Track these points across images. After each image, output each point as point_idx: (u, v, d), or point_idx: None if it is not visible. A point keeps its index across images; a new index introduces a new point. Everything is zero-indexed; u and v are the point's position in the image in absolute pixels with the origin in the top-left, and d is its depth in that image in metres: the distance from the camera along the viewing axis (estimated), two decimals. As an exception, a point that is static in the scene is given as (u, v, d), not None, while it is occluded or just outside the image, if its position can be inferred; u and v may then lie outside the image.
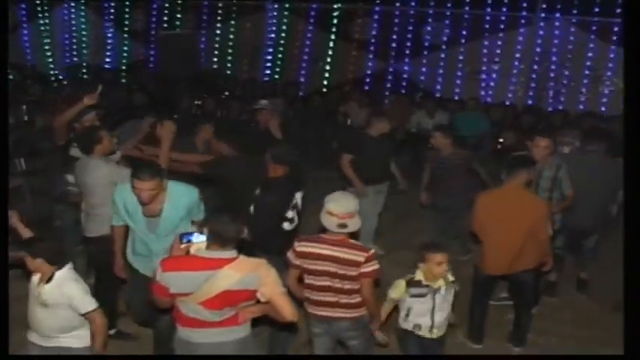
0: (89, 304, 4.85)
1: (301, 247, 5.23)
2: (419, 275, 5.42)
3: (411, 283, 5.41)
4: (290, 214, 6.20)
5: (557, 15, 14.64)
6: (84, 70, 18.87)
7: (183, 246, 4.54)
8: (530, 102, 14.90)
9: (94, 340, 4.91)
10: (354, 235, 5.24)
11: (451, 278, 5.52)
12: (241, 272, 4.34)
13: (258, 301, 4.50)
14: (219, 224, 4.36)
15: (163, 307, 4.67)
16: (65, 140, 7.54)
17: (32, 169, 8.46)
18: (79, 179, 6.69)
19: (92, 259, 6.86)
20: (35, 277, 4.90)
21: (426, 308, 5.44)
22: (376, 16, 16.54)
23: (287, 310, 4.44)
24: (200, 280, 4.31)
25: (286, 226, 6.24)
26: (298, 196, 6.26)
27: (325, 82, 16.89)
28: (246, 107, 11.47)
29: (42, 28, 19.43)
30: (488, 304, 6.98)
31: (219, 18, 18.15)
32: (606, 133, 8.63)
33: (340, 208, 5.07)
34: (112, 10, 19.39)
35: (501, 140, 10.44)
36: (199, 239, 4.52)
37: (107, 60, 19.43)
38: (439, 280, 5.40)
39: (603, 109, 14.24)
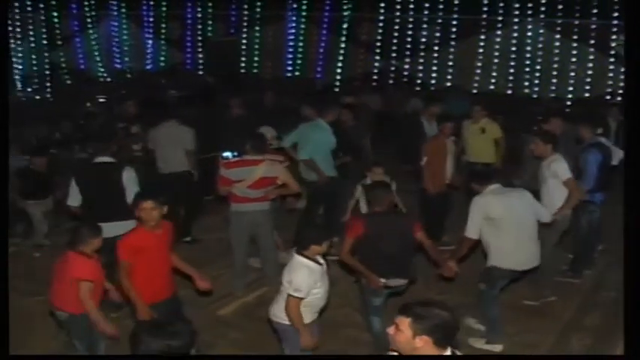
0: None
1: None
2: (369, 182, 8.54)
3: (365, 186, 8.61)
4: None
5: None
6: (128, 75, 22.45)
7: (224, 161, 8.38)
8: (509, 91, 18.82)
9: None
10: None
11: None
12: (269, 166, 7.88)
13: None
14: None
15: (224, 194, 8.19)
16: None
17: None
18: None
19: None
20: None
21: None
22: (380, 22, 20.63)
23: (295, 186, 8.29)
24: (248, 171, 7.83)
25: None
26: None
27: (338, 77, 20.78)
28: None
29: (92, 37, 22.85)
30: None
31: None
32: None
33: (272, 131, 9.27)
34: (151, 20, 23.01)
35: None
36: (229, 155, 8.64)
37: (147, 64, 22.98)
38: None
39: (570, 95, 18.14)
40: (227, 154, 8.95)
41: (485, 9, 19.01)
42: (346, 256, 6.51)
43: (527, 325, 7.44)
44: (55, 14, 22.23)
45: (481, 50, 19.29)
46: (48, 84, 21.27)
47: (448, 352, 3.49)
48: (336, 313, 7.59)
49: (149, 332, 3.51)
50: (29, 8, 21.69)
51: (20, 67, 21.44)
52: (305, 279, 5.46)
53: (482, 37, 19.27)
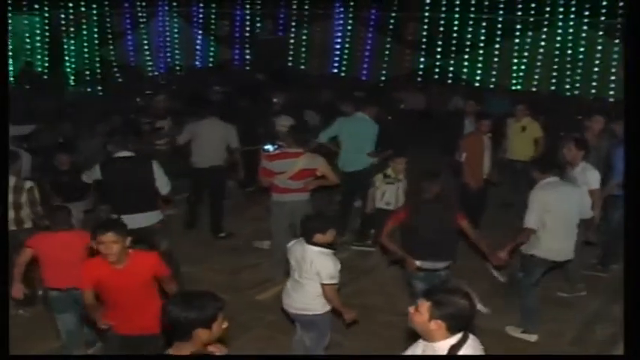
0: None
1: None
2: (389, 172, 9.31)
3: (385, 175, 9.29)
4: None
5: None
6: (178, 70, 22.94)
7: (265, 154, 8.78)
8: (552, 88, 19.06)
9: None
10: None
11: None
12: (309, 158, 8.34)
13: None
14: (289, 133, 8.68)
15: (266, 185, 8.69)
16: None
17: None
18: None
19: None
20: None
21: (393, 192, 9.23)
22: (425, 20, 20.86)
23: (333, 177, 8.64)
24: (289, 163, 8.27)
25: None
26: None
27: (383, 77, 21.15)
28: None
29: (142, 34, 23.35)
30: None
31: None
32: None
33: (290, 120, 9.80)
34: (201, 18, 23.50)
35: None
36: (270, 148, 9.18)
37: (197, 61, 23.44)
38: (400, 175, 9.23)
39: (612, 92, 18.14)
40: (268, 146, 9.31)
41: (532, 6, 19.05)
42: (384, 239, 6.95)
43: (555, 315, 7.71)
44: (107, 11, 22.74)
45: (527, 47, 19.32)
46: (99, 79, 21.82)
47: (459, 336, 3.74)
48: (372, 299, 8.11)
49: (173, 300, 3.84)
50: (82, 2, 22.23)
51: (73, 63, 22.00)
52: (331, 265, 5.73)
53: (529, 34, 19.28)
